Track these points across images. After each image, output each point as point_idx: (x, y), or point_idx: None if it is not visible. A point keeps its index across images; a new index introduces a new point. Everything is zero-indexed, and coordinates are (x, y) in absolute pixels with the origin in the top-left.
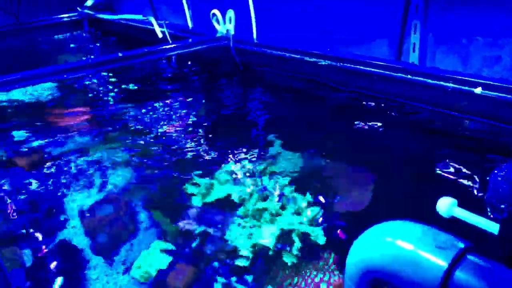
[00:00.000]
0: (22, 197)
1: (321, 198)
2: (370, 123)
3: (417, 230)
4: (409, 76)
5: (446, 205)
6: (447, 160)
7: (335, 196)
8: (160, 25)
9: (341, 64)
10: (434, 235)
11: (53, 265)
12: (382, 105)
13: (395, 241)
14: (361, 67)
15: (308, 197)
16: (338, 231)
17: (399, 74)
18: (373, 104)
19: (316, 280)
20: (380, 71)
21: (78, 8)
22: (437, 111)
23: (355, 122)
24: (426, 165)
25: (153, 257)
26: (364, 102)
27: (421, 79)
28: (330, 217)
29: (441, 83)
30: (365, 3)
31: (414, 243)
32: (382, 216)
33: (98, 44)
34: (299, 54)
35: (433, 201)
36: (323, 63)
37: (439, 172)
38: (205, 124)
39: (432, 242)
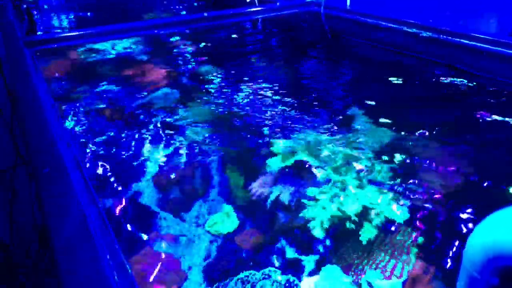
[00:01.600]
0: (103, 146)
1: (405, 176)
2: (470, 105)
3: None
4: None
5: None
6: None
7: (419, 175)
8: None
9: (445, 36)
10: None
11: (128, 214)
12: (488, 85)
13: None
14: (468, 42)
15: (391, 173)
16: (420, 212)
17: None
18: (476, 83)
19: (393, 260)
20: (490, 46)
21: None
22: None
23: (453, 103)
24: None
25: (224, 218)
26: (467, 81)
27: None
28: (413, 196)
29: None
30: None
31: None
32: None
33: (184, 3)
34: (396, 23)
35: None
36: (424, 34)
37: None
38: (287, 90)
39: None
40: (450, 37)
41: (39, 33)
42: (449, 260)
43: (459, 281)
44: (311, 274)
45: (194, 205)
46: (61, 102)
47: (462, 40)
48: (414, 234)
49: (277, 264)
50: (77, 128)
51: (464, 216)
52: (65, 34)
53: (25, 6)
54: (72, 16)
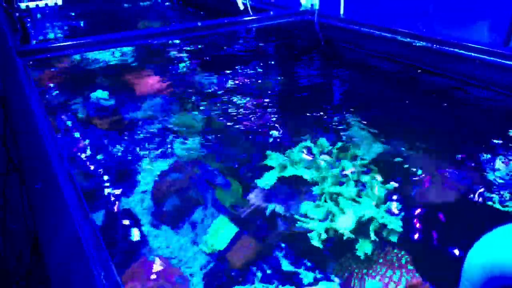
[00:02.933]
0: (96, 157)
1: (400, 186)
2: (465, 113)
3: None
4: None
5: None
6: None
7: (414, 185)
8: None
9: (438, 46)
10: None
11: (119, 227)
12: (483, 94)
13: None
14: (462, 51)
15: (387, 184)
16: (416, 224)
17: (508, 62)
18: (472, 92)
19: (389, 273)
20: (484, 56)
21: None
22: None
23: (448, 110)
24: None
25: (219, 232)
26: (461, 90)
27: None
28: (409, 207)
29: None
30: None
31: None
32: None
33: (178, 13)
34: (390, 32)
35: None
36: (418, 44)
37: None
38: (281, 99)
39: None
40: (443, 47)
41: (33, 42)
42: (447, 277)
43: None
44: None
45: (187, 220)
46: (54, 112)
47: (455, 50)
48: (411, 248)
49: None
50: (69, 139)
51: (462, 233)
52: (59, 44)
53: (18, 14)
54: (66, 25)
